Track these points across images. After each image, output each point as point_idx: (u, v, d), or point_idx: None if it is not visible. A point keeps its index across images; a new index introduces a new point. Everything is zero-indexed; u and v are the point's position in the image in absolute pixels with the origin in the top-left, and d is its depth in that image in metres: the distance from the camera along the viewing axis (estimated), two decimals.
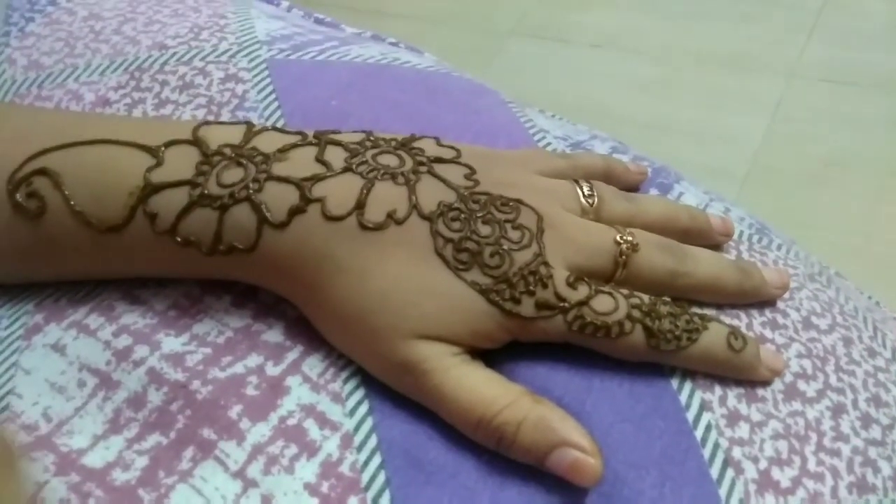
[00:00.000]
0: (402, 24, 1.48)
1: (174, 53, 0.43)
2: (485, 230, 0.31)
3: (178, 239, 0.31)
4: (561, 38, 1.41)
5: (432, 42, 1.41)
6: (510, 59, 1.38)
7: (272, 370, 0.32)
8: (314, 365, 0.32)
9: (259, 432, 0.30)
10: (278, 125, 0.38)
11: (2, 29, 0.47)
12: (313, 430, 0.30)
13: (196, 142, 0.32)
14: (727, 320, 0.33)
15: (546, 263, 0.31)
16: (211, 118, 0.40)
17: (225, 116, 0.40)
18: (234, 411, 0.31)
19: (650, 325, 0.30)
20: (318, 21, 0.51)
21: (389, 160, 0.32)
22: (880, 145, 1.17)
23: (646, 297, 0.31)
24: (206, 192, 0.31)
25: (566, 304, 0.30)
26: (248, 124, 0.34)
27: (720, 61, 1.32)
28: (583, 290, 0.30)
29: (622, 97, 1.28)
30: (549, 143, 0.41)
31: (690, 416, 0.30)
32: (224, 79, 0.42)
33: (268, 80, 0.42)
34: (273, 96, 0.41)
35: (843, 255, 1.03)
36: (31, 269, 0.34)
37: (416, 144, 0.33)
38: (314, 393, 0.31)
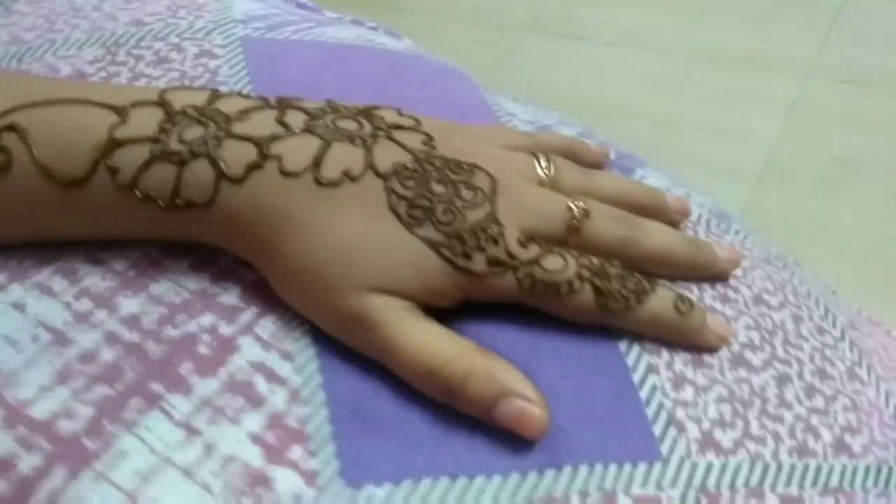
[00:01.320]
0: (418, 19, 1.48)
1: (151, 30, 0.44)
2: (438, 189, 0.31)
3: (138, 193, 0.32)
4: (575, 35, 1.41)
5: (447, 37, 1.40)
6: (524, 55, 1.38)
7: (225, 329, 0.32)
8: (266, 326, 0.32)
9: (207, 387, 0.30)
10: None
11: None
12: (261, 385, 0.30)
13: (162, 103, 0.33)
14: None
15: (497, 222, 0.31)
16: None
17: None
18: (185, 368, 0.31)
19: (599, 284, 0.30)
20: (300, 5, 0.52)
21: (348, 124, 0.33)
22: (895, 147, 1.16)
23: (595, 259, 0.31)
24: (166, 148, 0.31)
25: (517, 262, 0.30)
26: (214, 90, 0.34)
27: (736, 60, 1.31)
28: (533, 250, 0.31)
29: (636, 94, 1.28)
30: (515, 126, 0.41)
31: (636, 377, 0.30)
32: (198, 54, 0.42)
33: (241, 56, 0.42)
34: (245, 72, 0.42)
35: (856, 256, 1.02)
36: None
37: (376, 112, 0.34)
38: (264, 351, 0.31)
